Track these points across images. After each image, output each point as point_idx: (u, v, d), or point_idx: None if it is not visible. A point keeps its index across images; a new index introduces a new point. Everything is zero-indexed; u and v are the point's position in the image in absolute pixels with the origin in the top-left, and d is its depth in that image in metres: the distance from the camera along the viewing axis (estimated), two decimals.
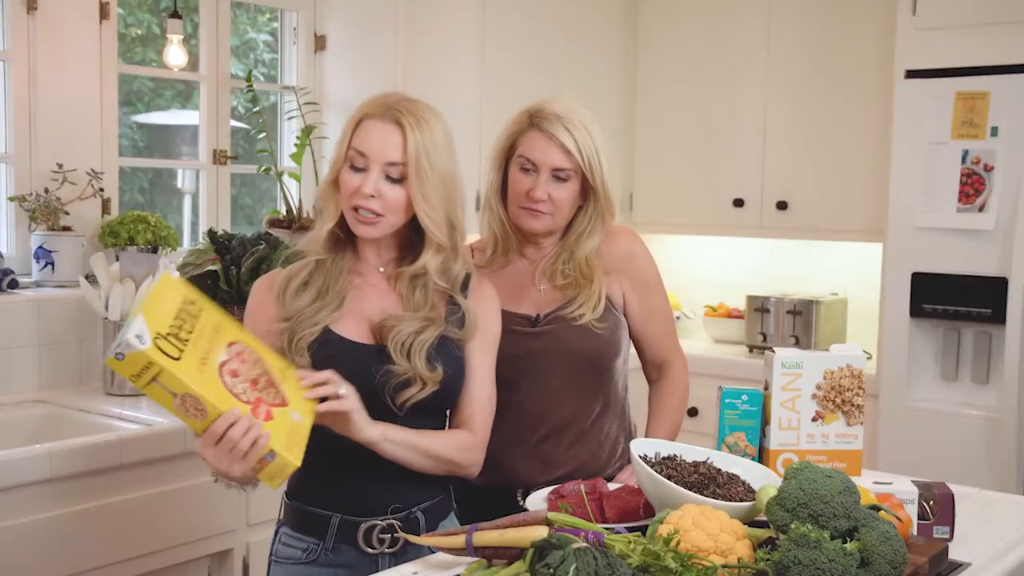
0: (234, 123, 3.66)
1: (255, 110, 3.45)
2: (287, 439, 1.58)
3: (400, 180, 1.74)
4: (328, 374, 1.67)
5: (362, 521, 1.79)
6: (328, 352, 1.75)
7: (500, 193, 2.10)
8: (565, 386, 2.05)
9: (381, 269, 1.84)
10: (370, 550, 1.79)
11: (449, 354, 1.80)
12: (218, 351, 1.60)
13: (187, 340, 1.55)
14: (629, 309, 2.13)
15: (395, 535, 1.79)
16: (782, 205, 3.94)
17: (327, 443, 1.79)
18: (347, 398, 1.66)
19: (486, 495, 1.98)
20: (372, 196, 1.73)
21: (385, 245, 1.83)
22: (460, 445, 1.82)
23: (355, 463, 1.77)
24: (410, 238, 1.83)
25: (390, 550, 1.80)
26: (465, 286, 1.86)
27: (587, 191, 2.05)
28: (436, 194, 1.76)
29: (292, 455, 1.57)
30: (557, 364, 2.04)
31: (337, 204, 1.78)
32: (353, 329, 1.79)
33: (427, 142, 1.75)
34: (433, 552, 1.70)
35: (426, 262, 1.79)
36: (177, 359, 1.49)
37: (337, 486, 1.80)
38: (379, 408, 1.74)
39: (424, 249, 1.79)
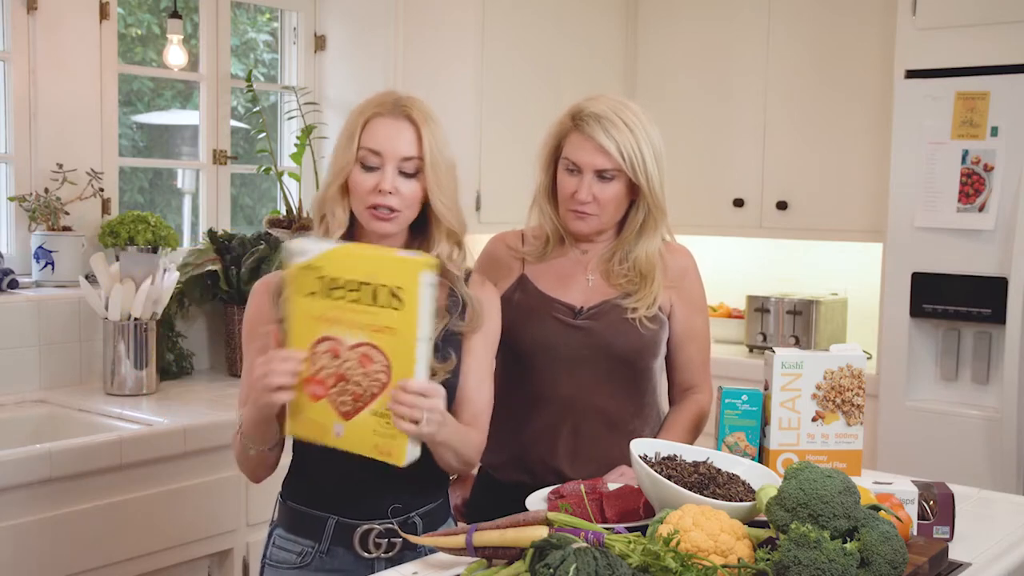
0: (234, 123, 3.67)
1: (255, 110, 3.45)
2: (306, 419, 1.62)
3: (414, 174, 1.76)
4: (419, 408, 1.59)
5: (359, 524, 1.78)
6: None
7: (549, 194, 2.10)
8: (599, 381, 2.05)
9: None
10: (366, 554, 1.78)
11: (452, 347, 1.80)
12: (347, 333, 1.58)
13: (336, 298, 1.58)
14: (672, 325, 2.11)
15: (392, 540, 1.79)
16: (782, 205, 3.94)
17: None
18: (427, 423, 1.60)
19: (515, 490, 1.94)
20: (391, 193, 1.73)
21: (391, 244, 1.82)
22: (477, 447, 1.82)
23: (355, 465, 1.76)
24: (411, 234, 1.83)
25: (386, 555, 1.79)
26: (466, 280, 1.86)
27: (636, 188, 2.04)
28: (448, 183, 1.79)
29: (293, 424, 1.62)
30: (594, 359, 2.03)
31: (346, 209, 1.77)
32: None
33: (436, 134, 1.78)
34: (426, 556, 1.71)
35: (439, 251, 1.79)
36: (304, 295, 1.60)
37: (335, 487, 1.79)
38: None
39: (436, 239, 1.80)
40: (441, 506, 1.89)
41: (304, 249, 1.61)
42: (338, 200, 1.77)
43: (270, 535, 1.87)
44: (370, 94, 1.84)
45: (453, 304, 1.82)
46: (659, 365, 2.13)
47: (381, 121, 1.76)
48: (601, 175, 2.00)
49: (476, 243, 2.40)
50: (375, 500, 1.79)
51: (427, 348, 1.60)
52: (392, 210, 1.75)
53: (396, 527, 1.79)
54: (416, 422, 1.58)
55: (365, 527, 1.78)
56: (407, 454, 1.61)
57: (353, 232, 1.81)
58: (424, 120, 1.77)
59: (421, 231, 1.82)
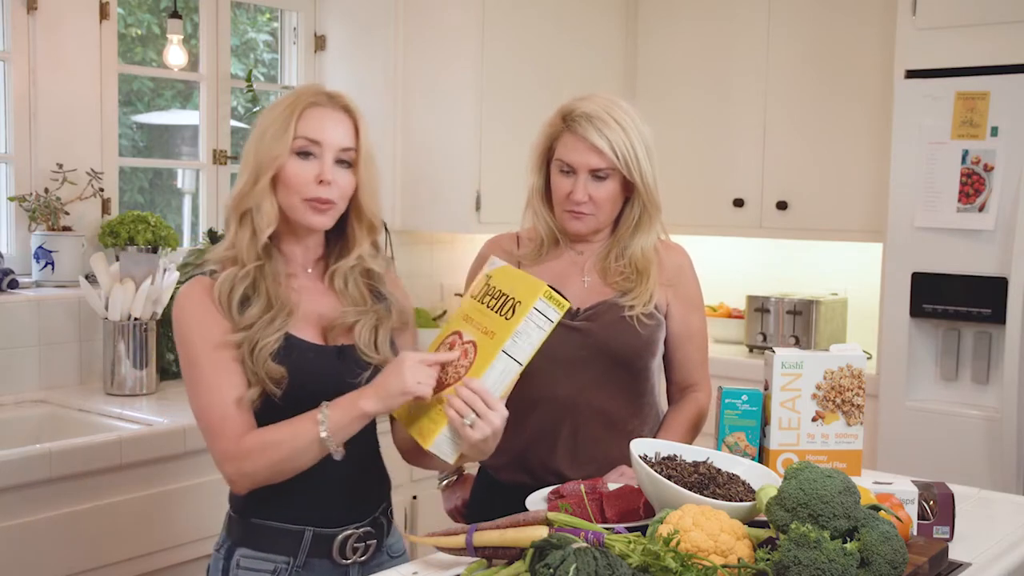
0: (234, 123, 3.66)
1: (255, 110, 3.45)
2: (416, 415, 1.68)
3: (349, 166, 1.74)
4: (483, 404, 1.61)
5: (338, 532, 1.75)
6: (295, 357, 1.69)
7: (543, 195, 2.11)
8: (598, 382, 2.05)
9: (309, 270, 1.80)
10: (344, 561, 1.76)
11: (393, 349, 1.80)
12: (468, 331, 1.67)
13: (483, 303, 1.68)
14: (669, 324, 2.12)
15: (368, 542, 1.78)
16: (782, 205, 3.94)
17: None
18: (476, 427, 1.60)
19: (516, 491, 1.94)
20: (330, 183, 1.71)
21: (313, 244, 1.79)
22: None
23: (329, 473, 1.72)
24: (330, 234, 1.81)
25: (362, 559, 1.78)
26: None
27: (630, 185, 2.05)
28: (376, 179, 1.78)
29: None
30: (592, 359, 2.04)
31: (274, 204, 1.71)
32: (310, 332, 1.75)
33: (368, 131, 1.77)
34: (396, 556, 1.77)
35: (362, 251, 1.79)
36: (472, 296, 1.71)
37: (311, 498, 1.73)
38: None
39: (358, 239, 1.79)
40: (386, 506, 1.87)
41: (496, 262, 1.74)
42: (267, 194, 1.69)
43: (229, 558, 1.75)
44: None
45: (385, 307, 1.81)
46: (657, 365, 2.14)
47: (318, 111, 1.72)
48: (596, 174, 2.01)
49: (476, 243, 2.41)
50: (352, 505, 1.77)
51: (509, 367, 1.62)
52: (328, 202, 1.71)
53: (372, 531, 1.78)
54: (466, 419, 1.58)
55: (345, 533, 1.75)
56: (435, 441, 1.63)
57: (277, 230, 1.74)
58: (359, 112, 1.76)
59: (339, 227, 1.79)
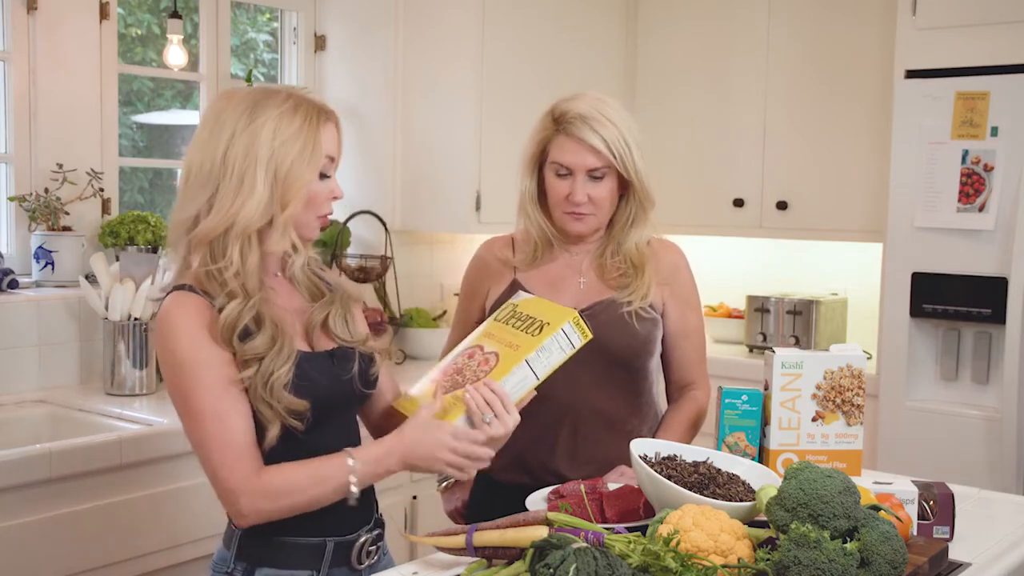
0: None
1: None
2: (410, 400, 1.78)
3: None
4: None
5: (355, 538, 1.74)
6: (304, 376, 1.65)
7: (536, 199, 2.11)
8: (597, 382, 2.05)
9: (278, 274, 1.76)
10: (359, 566, 1.75)
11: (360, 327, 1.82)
12: (489, 345, 1.76)
13: (509, 325, 1.78)
14: (666, 323, 2.12)
15: (378, 544, 1.78)
16: (782, 205, 3.93)
17: None
18: (491, 424, 1.67)
19: (515, 491, 1.93)
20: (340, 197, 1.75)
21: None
22: None
23: None
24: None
25: (373, 561, 1.77)
26: None
27: (625, 182, 2.06)
28: None
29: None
30: (590, 360, 2.01)
31: (292, 222, 1.66)
32: (300, 341, 1.71)
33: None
34: (386, 554, 1.78)
35: (310, 251, 1.80)
36: (495, 319, 1.83)
37: (329, 509, 1.67)
38: (352, 401, 1.74)
39: None
40: (377, 505, 1.86)
41: (523, 295, 1.89)
42: (291, 218, 1.65)
43: None
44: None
45: (337, 293, 1.80)
46: (655, 364, 2.14)
47: (329, 127, 1.70)
48: (592, 174, 2.02)
49: (476, 243, 2.41)
50: (362, 509, 1.75)
51: (527, 378, 1.70)
52: (330, 214, 1.75)
53: (380, 532, 1.79)
54: (485, 417, 1.65)
55: (362, 538, 1.75)
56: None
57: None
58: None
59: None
